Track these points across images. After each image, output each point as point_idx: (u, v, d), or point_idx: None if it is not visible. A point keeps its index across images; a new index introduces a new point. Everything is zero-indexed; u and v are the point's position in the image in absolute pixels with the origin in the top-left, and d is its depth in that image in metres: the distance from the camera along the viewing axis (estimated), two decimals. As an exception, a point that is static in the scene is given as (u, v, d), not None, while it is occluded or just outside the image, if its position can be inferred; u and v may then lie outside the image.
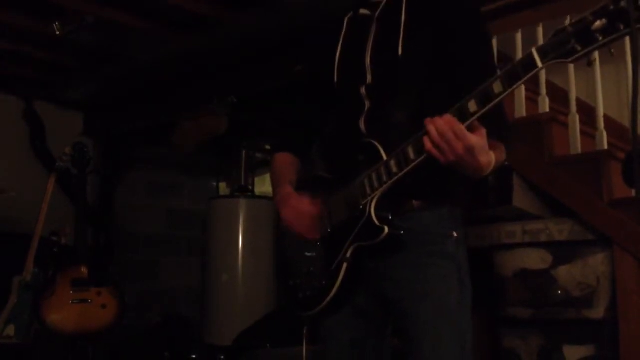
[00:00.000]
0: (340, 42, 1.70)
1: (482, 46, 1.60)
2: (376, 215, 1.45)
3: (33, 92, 5.03)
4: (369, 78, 1.61)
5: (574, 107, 3.03)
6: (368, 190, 1.47)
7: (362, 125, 1.59)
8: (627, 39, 1.21)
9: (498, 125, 1.48)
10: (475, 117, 1.30)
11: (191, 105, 4.75)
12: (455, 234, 1.56)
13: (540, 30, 3.18)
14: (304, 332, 1.77)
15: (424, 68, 1.55)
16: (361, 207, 1.48)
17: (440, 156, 1.32)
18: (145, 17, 3.82)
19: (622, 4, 1.12)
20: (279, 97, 3.82)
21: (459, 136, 1.29)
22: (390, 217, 1.46)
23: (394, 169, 1.42)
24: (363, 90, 1.61)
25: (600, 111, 3.01)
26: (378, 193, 1.46)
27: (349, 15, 1.74)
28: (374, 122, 1.58)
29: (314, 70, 1.85)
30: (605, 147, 2.96)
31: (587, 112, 3.24)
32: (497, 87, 1.27)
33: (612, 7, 1.13)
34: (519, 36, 3.20)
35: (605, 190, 2.79)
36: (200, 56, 4.31)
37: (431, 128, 1.32)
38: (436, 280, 1.51)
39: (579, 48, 1.18)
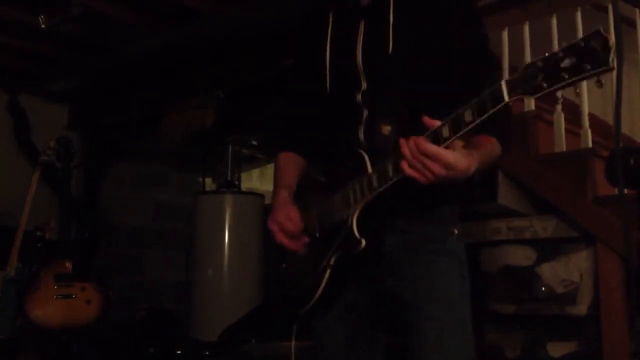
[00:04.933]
0: (328, 41, 1.64)
1: (475, 35, 1.59)
2: (357, 227, 1.46)
3: (17, 84, 4.96)
4: (364, 85, 1.57)
5: (559, 105, 3.05)
6: (351, 201, 1.49)
7: (362, 136, 1.56)
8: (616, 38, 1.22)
9: (495, 122, 1.43)
10: (447, 142, 1.32)
11: (177, 98, 4.72)
12: (455, 231, 1.60)
13: (526, 28, 3.19)
14: (293, 328, 1.79)
15: (416, 68, 1.53)
16: (345, 217, 1.49)
17: (420, 177, 1.33)
18: (132, 8, 3.78)
19: (592, 43, 1.12)
20: (267, 92, 3.79)
21: (434, 158, 1.31)
22: (374, 230, 1.47)
23: (375, 184, 1.44)
24: (359, 97, 1.58)
25: (585, 110, 3.04)
26: (360, 205, 1.47)
27: (333, 8, 1.66)
28: (371, 132, 1.56)
29: (303, 70, 1.77)
30: (590, 145, 2.98)
31: (572, 110, 3.26)
32: (467, 115, 1.29)
33: (582, 45, 1.14)
34: (505, 34, 3.21)
35: (590, 188, 2.81)
36: (187, 48, 4.27)
37: (405, 151, 1.33)
38: (439, 275, 1.54)
39: (545, 85, 1.19)
